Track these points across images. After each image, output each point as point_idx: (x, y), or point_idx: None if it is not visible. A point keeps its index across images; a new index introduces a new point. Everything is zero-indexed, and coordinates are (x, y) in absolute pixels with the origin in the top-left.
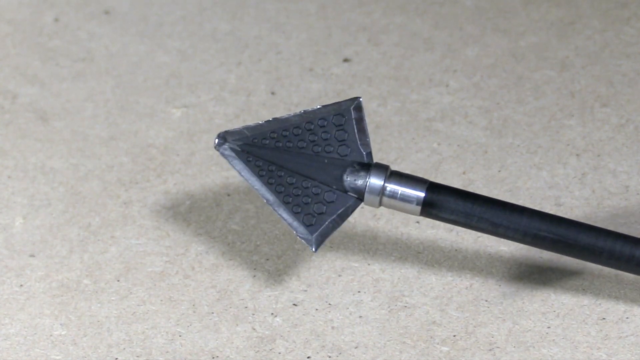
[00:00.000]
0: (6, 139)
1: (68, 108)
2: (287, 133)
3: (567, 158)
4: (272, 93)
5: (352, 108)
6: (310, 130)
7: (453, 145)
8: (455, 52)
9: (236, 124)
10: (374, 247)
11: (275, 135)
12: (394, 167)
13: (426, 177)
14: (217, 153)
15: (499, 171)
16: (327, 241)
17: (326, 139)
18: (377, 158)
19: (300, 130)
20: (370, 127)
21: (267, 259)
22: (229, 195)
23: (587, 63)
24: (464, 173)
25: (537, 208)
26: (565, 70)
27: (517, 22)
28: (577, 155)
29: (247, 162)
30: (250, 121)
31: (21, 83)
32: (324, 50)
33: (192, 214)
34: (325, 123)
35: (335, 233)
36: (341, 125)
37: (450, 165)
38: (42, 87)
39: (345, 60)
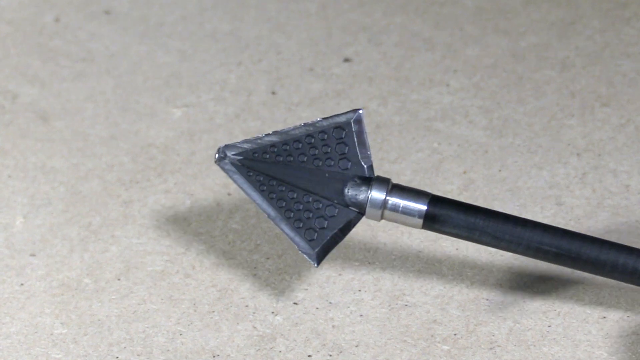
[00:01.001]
0: (6, 139)
1: (68, 108)
2: (288, 147)
3: (568, 158)
4: (273, 93)
5: (352, 121)
6: (310, 144)
7: (453, 144)
8: (455, 52)
9: (236, 124)
10: (374, 245)
11: (276, 149)
12: (394, 167)
13: (426, 177)
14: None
15: (500, 171)
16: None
17: (327, 153)
18: (377, 158)
19: (300, 144)
20: (370, 126)
21: (268, 258)
22: (229, 194)
23: (587, 63)
24: (464, 172)
25: (537, 207)
26: (565, 70)
27: (517, 22)
28: (578, 154)
29: (247, 177)
30: (251, 121)
31: (21, 83)
32: (324, 50)
33: (193, 213)
34: (326, 136)
35: None
36: (341, 138)
37: (450, 165)
38: (43, 87)
39: (346, 60)
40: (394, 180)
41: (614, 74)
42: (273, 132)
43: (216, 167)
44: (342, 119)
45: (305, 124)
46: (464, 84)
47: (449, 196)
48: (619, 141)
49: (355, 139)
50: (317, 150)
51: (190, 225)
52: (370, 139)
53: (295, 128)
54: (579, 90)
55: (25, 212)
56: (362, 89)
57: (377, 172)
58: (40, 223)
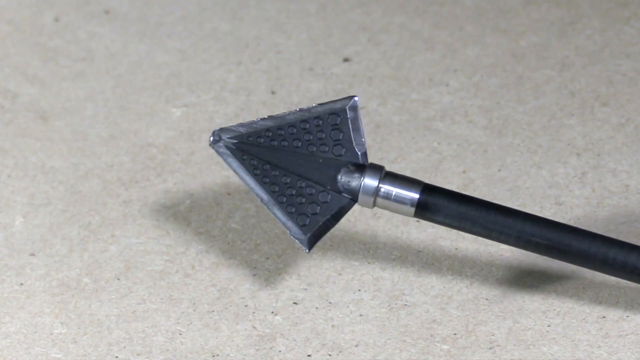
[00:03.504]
0: (6, 138)
1: (68, 107)
2: (282, 132)
3: (567, 157)
4: (272, 92)
5: (347, 107)
6: (305, 129)
7: (453, 144)
8: (455, 52)
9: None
10: (374, 245)
11: (270, 134)
12: (394, 167)
13: (426, 176)
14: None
15: (499, 170)
16: (322, 241)
17: (321, 139)
18: (377, 157)
19: (295, 129)
20: (370, 126)
21: (267, 258)
22: (229, 194)
23: (587, 63)
24: (464, 172)
25: (537, 207)
26: (565, 70)
27: (517, 22)
28: (577, 154)
29: (241, 161)
30: None
31: (21, 83)
32: (324, 50)
33: (192, 212)
34: (321, 122)
35: (335, 232)
36: (336, 124)
37: (450, 165)
38: (42, 87)
39: (345, 60)
40: None
41: (613, 74)
42: (269, 116)
43: (216, 167)
44: (338, 105)
45: (300, 109)
46: (464, 83)
47: None
48: (618, 141)
49: (350, 126)
50: (311, 136)
51: (190, 225)
52: (369, 138)
53: (291, 113)
54: (578, 90)
55: (24, 212)
56: (361, 89)
57: None
58: (39, 223)
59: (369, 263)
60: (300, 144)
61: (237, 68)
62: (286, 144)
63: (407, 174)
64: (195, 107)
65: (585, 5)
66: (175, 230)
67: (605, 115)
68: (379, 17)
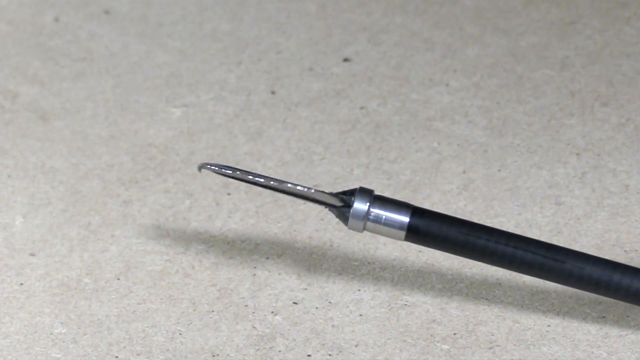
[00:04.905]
0: (6, 139)
1: (68, 107)
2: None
3: (567, 157)
4: (272, 92)
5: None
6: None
7: (453, 144)
8: (455, 52)
9: (236, 124)
10: (374, 245)
11: (253, 176)
12: (394, 167)
13: (426, 176)
14: (217, 152)
15: (499, 170)
16: (322, 241)
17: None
18: (377, 157)
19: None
20: (370, 126)
21: (267, 258)
22: (229, 194)
23: (587, 63)
24: (464, 172)
25: (537, 207)
26: (565, 70)
27: (517, 22)
28: (577, 154)
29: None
30: (250, 121)
31: (21, 83)
32: (324, 50)
33: (192, 213)
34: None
35: (335, 232)
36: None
37: (450, 165)
38: (43, 87)
39: (345, 60)
40: (394, 179)
41: (613, 74)
42: (244, 170)
43: None
44: (334, 200)
45: (296, 185)
46: (464, 83)
47: (448, 196)
48: (618, 141)
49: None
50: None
51: (190, 225)
52: (369, 138)
53: (287, 184)
54: (578, 90)
55: (24, 212)
56: (361, 89)
57: (377, 172)
58: (39, 223)
59: (369, 263)
60: (284, 183)
61: (237, 68)
62: (272, 181)
63: (407, 174)
64: (195, 107)
65: (585, 5)
66: (175, 231)
67: (605, 115)
68: (379, 17)
